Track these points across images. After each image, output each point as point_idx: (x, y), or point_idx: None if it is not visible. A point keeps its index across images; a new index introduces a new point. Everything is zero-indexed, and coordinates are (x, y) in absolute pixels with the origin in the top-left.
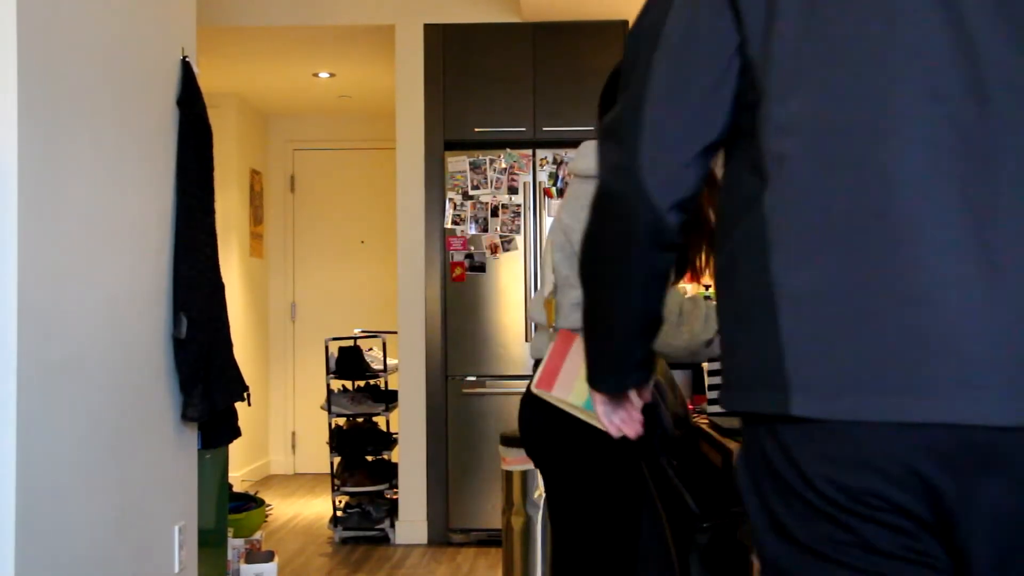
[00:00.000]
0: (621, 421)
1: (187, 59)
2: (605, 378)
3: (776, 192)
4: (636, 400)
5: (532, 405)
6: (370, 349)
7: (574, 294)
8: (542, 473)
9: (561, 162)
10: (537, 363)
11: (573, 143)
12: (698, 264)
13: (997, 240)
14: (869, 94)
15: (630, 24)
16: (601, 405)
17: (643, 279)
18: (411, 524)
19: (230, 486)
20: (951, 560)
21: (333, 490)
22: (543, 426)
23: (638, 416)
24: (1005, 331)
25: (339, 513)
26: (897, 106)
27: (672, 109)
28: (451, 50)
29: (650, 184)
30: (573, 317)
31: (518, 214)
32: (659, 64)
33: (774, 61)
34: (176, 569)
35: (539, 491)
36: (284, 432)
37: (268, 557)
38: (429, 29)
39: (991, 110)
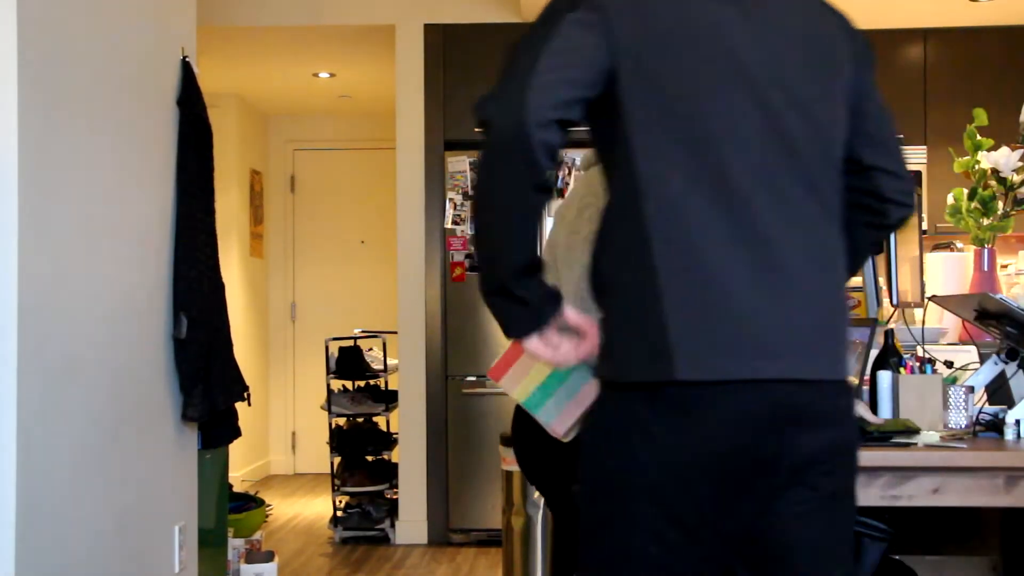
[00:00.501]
0: (568, 353)
1: (187, 59)
2: (519, 325)
3: (651, 202)
4: (571, 323)
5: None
6: (370, 349)
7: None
8: (526, 475)
9: (561, 162)
10: None
11: (573, 143)
12: None
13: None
14: (710, 140)
15: None
16: (540, 350)
17: (524, 216)
18: (411, 524)
19: (230, 486)
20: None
21: (333, 490)
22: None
23: (580, 338)
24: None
25: (339, 513)
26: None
27: (550, 80)
28: (451, 50)
29: (530, 117)
30: None
31: None
32: (545, 54)
33: (635, 101)
34: (176, 569)
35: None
36: (284, 432)
37: (268, 557)
38: (429, 29)
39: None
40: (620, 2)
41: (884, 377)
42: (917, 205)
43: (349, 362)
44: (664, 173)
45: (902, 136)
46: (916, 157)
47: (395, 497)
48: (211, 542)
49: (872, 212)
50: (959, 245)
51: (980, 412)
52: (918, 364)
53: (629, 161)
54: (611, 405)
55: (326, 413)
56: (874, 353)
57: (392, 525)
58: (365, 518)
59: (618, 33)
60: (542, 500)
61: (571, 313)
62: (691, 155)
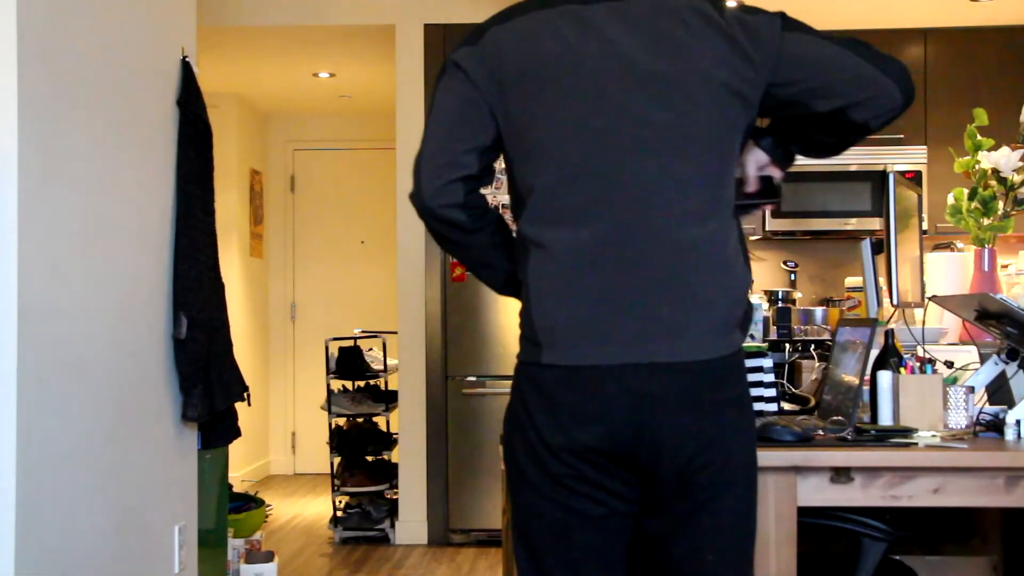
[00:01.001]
0: None
1: (187, 59)
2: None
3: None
4: None
5: None
6: (370, 349)
7: None
8: None
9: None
10: None
11: None
12: None
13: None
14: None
15: None
16: None
17: (475, 255)
18: (411, 524)
19: (230, 486)
20: None
21: (333, 490)
22: None
23: None
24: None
25: (339, 513)
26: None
27: (433, 149)
28: (451, 50)
29: (427, 199)
30: None
31: None
32: (430, 122)
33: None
34: (176, 569)
35: None
36: (284, 432)
37: (268, 557)
38: (429, 29)
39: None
40: (477, 50)
41: (884, 377)
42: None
43: (349, 362)
44: (534, 192)
45: (902, 136)
46: (916, 157)
47: (395, 497)
48: (211, 542)
49: (857, 131)
50: (959, 245)
51: (980, 412)
52: (918, 364)
53: (513, 185)
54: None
55: (326, 413)
56: (874, 353)
57: (392, 525)
58: (365, 518)
59: (479, 79)
60: None
61: None
62: (556, 173)
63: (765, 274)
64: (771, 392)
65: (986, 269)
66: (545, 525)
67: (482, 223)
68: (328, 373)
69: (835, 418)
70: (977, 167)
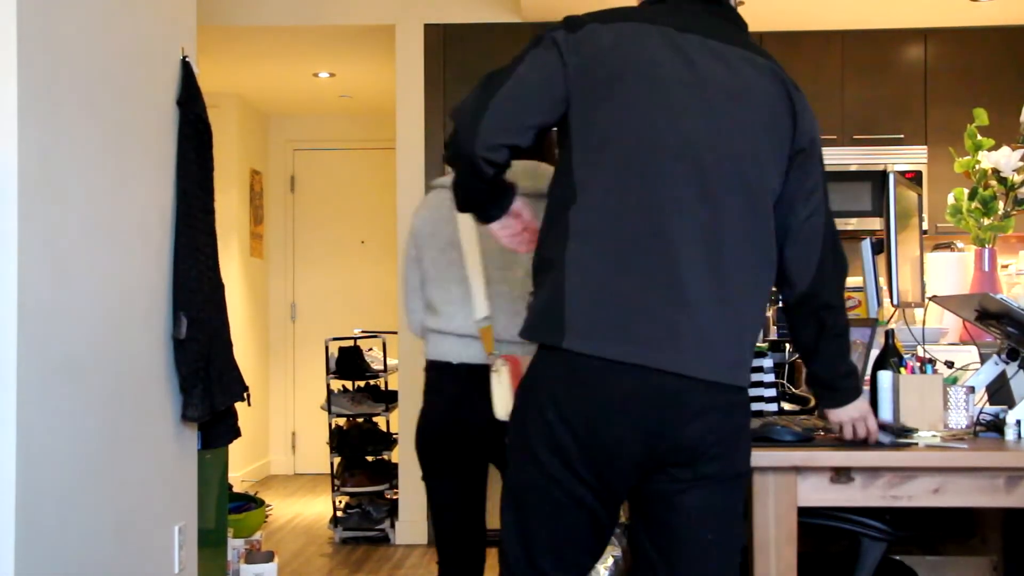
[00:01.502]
0: (513, 234)
1: (187, 59)
2: (487, 212)
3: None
4: (520, 216)
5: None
6: (370, 349)
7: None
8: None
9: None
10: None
11: None
12: None
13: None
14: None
15: None
16: (500, 232)
17: (482, 191)
18: (411, 524)
19: (230, 486)
20: None
21: (333, 490)
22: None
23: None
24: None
25: (339, 513)
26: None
27: (503, 111)
28: (451, 50)
29: (477, 149)
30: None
31: None
32: (509, 84)
33: (583, 140)
34: (176, 569)
35: None
36: (284, 432)
37: (268, 557)
38: (429, 29)
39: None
40: (573, 38)
41: (884, 377)
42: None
43: (349, 362)
44: (591, 186)
45: (902, 136)
46: (917, 157)
47: (395, 497)
48: (211, 542)
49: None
50: (960, 245)
51: (981, 412)
52: (919, 364)
53: (568, 172)
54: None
55: (326, 413)
56: (875, 353)
57: (392, 525)
58: (365, 518)
59: (570, 64)
60: None
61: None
62: (618, 176)
63: None
64: (771, 392)
65: (986, 269)
66: (542, 500)
67: (499, 179)
68: (328, 373)
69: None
70: (977, 167)
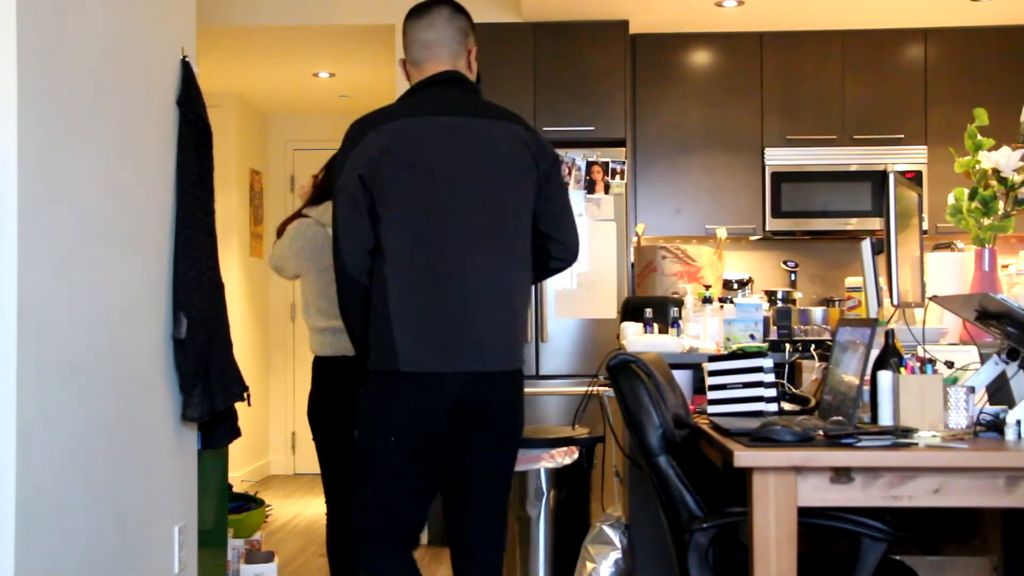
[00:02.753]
0: None
1: (187, 59)
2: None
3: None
4: None
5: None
6: None
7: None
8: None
9: (561, 161)
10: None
11: (574, 143)
12: None
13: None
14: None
15: (630, 24)
16: None
17: (357, 308)
18: None
19: (230, 486)
20: None
21: None
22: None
23: None
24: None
25: None
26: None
27: (349, 238)
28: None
29: (351, 270)
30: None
31: None
32: (339, 210)
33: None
34: (176, 569)
35: (553, 492)
36: (284, 432)
37: (268, 557)
38: None
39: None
40: (355, 151)
41: (885, 377)
42: (918, 208)
43: None
44: (395, 244)
45: (902, 136)
46: (917, 157)
47: None
48: (211, 542)
49: (540, 261)
50: (960, 245)
51: (981, 412)
52: (919, 364)
53: (379, 236)
54: (371, 380)
55: None
56: (875, 353)
57: None
58: None
59: (358, 166)
60: (543, 500)
61: None
62: (411, 233)
63: (765, 274)
64: (771, 392)
65: (986, 269)
66: (391, 469)
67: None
68: None
69: (835, 418)
70: (977, 167)
